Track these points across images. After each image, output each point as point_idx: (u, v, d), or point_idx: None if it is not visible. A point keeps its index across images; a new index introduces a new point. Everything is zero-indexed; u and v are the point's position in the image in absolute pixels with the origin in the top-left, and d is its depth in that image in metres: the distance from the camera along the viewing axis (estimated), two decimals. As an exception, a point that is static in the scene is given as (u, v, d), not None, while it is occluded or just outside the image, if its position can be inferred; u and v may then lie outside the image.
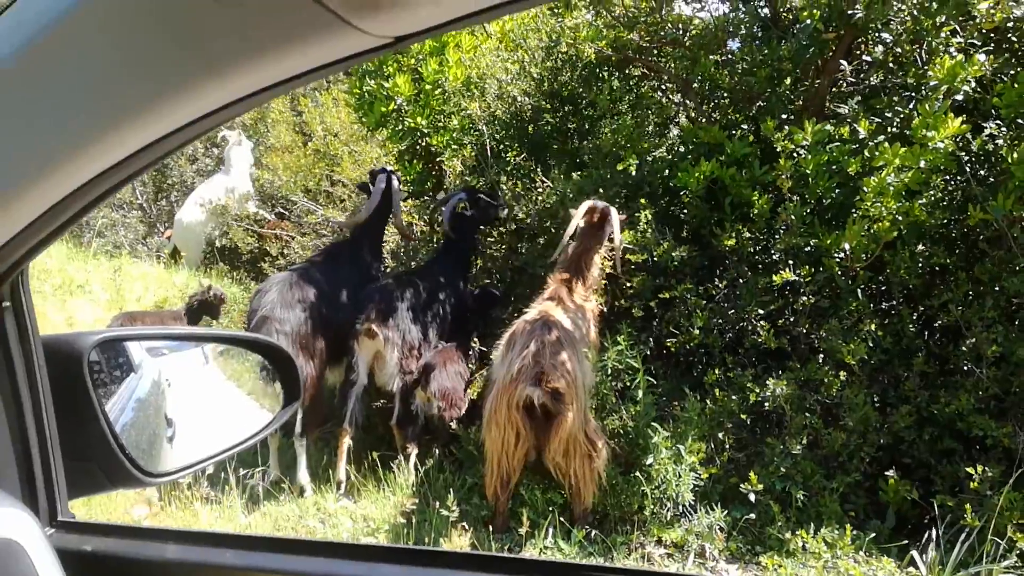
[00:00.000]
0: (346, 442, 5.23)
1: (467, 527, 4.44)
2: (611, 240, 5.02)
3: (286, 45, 0.69)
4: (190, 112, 0.78)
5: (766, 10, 5.58)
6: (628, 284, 5.36)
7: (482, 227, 6.16)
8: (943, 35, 4.76)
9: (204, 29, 0.68)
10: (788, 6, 5.49)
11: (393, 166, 6.97)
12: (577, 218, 4.91)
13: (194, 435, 1.78)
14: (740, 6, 5.63)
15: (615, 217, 4.93)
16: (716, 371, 4.93)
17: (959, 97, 4.41)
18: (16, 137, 0.82)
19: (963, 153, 4.55)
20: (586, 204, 4.97)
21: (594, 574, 1.14)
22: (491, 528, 4.46)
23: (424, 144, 7.03)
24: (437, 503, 4.53)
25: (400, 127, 6.91)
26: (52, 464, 1.22)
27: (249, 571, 1.24)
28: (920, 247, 4.81)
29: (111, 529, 1.34)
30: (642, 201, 5.35)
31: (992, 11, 4.60)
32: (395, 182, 6.08)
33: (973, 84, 4.40)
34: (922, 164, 4.32)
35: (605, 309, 5.29)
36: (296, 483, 5.26)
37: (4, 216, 0.90)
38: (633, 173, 5.64)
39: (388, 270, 6.78)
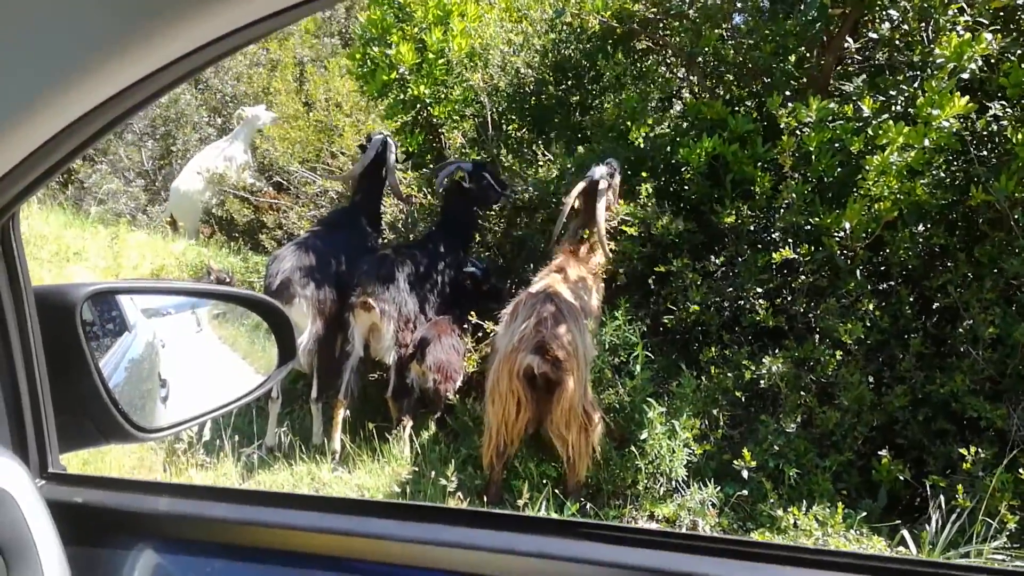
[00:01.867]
0: (341, 413, 5.25)
1: (461, 497, 4.46)
2: (608, 209, 5.05)
3: None
4: (179, 47, 0.75)
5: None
6: (632, 258, 5.33)
7: (479, 206, 6.07)
8: (951, 13, 4.71)
9: None
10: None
11: (394, 137, 6.92)
12: (573, 195, 4.95)
13: (188, 394, 1.78)
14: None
15: (602, 195, 4.95)
16: (712, 348, 4.93)
17: (965, 76, 4.36)
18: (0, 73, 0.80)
19: (967, 133, 4.51)
20: (582, 184, 5.02)
21: (584, 530, 1.13)
22: (485, 498, 4.47)
23: (426, 115, 6.97)
24: (433, 472, 4.55)
25: (402, 96, 6.85)
26: (43, 416, 1.21)
27: (241, 524, 1.24)
28: (920, 227, 4.79)
29: (102, 481, 1.34)
30: (643, 174, 5.32)
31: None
32: (390, 144, 6.05)
33: (980, 63, 4.36)
34: (926, 143, 4.29)
35: (604, 282, 5.28)
36: (311, 445, 5.33)
37: None
38: (640, 146, 5.60)
39: (386, 241, 6.77)
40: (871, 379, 4.70)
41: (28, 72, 0.78)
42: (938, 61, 4.37)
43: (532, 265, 5.70)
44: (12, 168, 0.89)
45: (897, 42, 5.25)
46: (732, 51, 5.58)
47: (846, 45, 5.20)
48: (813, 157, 4.79)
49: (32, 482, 1.04)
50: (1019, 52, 4.43)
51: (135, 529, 1.27)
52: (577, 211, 5.15)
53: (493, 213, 6.58)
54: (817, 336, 4.84)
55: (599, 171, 5.05)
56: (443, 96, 6.78)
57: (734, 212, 5.03)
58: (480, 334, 5.26)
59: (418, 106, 6.84)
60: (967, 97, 4.23)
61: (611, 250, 5.13)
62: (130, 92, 0.80)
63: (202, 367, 1.92)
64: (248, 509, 1.25)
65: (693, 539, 1.17)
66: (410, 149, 7.04)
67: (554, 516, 4.27)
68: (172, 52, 0.76)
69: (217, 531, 1.26)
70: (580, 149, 5.91)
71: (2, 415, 1.16)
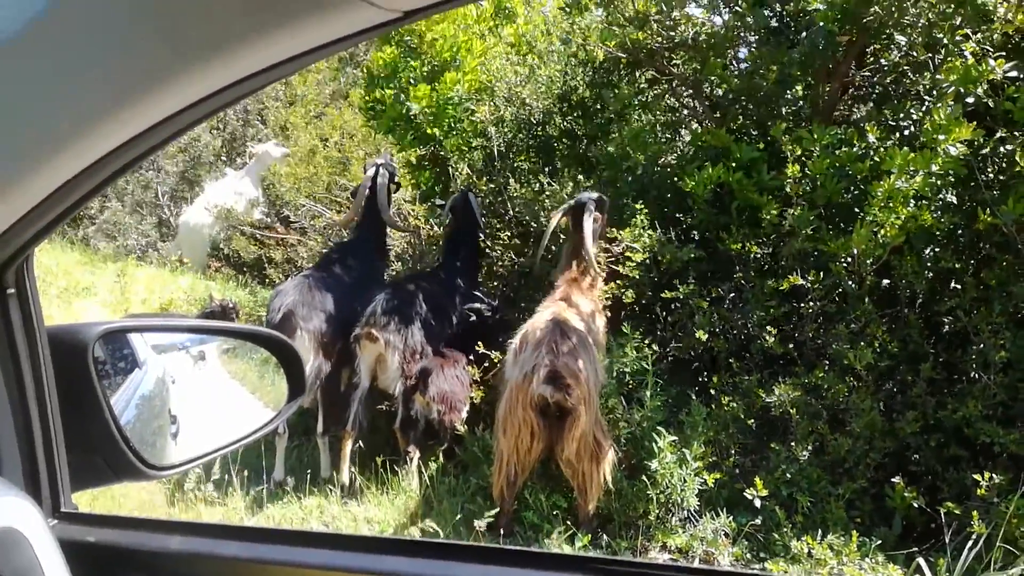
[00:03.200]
0: (349, 445, 5.23)
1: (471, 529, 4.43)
2: (603, 238, 5.09)
3: (295, 20, 0.68)
4: (197, 91, 0.77)
5: (774, 18, 5.57)
6: (638, 284, 5.33)
7: (472, 230, 6.13)
8: (958, 38, 4.73)
9: (212, 4, 0.67)
10: (801, 7, 5.45)
11: (401, 171, 7.00)
12: (555, 219, 5.09)
13: (199, 430, 1.78)
14: (750, 10, 5.62)
15: (588, 222, 4.97)
16: (722, 376, 4.91)
17: (970, 100, 4.38)
18: (18, 117, 0.81)
19: (973, 158, 4.52)
20: (563, 207, 5.12)
21: (599, 566, 1.13)
22: (500, 531, 4.43)
23: (434, 149, 7.06)
24: (443, 503, 4.53)
25: (412, 135, 6.95)
26: (55, 455, 1.21)
27: (253, 562, 1.23)
28: (928, 252, 4.79)
29: (115, 520, 1.34)
30: (637, 206, 5.31)
31: (1011, 15, 4.56)
32: (383, 172, 6.04)
33: (985, 87, 4.37)
34: (933, 168, 4.30)
35: (609, 312, 5.27)
36: (320, 479, 5.32)
37: (7, 199, 0.88)
38: (643, 175, 5.62)
39: (395, 272, 6.81)
40: (882, 405, 4.67)
41: (49, 115, 0.80)
42: (944, 86, 4.39)
43: (539, 295, 5.70)
44: (30, 210, 0.90)
45: (905, 68, 5.27)
46: (737, 80, 5.62)
47: (852, 72, 5.23)
48: (819, 184, 4.80)
49: (44, 521, 1.04)
50: (1024, 77, 4.45)
51: (147, 568, 1.27)
52: (573, 239, 5.18)
53: (501, 242, 6.61)
54: (827, 362, 4.82)
55: (586, 195, 5.11)
56: (452, 129, 6.87)
57: (741, 240, 5.03)
58: (487, 364, 5.25)
59: (430, 143, 6.94)
60: (974, 123, 4.25)
61: (617, 278, 5.14)
62: (149, 135, 0.82)
63: (212, 403, 1.92)
64: (260, 547, 1.25)
65: (710, 574, 1.16)
66: (421, 184, 7.12)
67: (568, 551, 4.23)
68: (191, 95, 0.77)
69: (229, 570, 1.25)
70: (581, 179, 5.95)
71: (15, 454, 1.16)
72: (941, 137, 4.23)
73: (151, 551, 1.28)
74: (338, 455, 5.29)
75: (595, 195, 5.14)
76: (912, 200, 4.48)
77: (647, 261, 5.24)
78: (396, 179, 6.37)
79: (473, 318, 5.64)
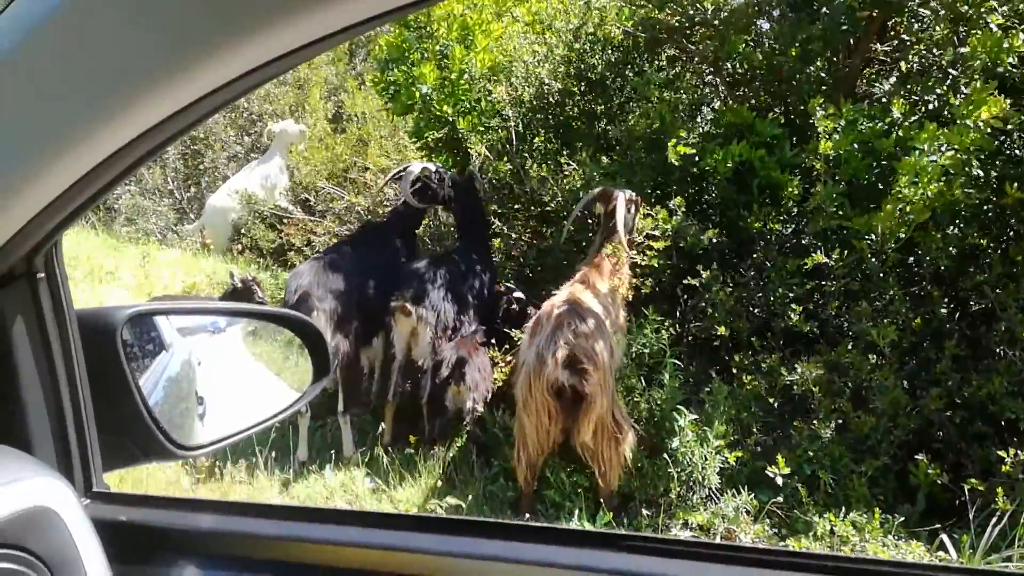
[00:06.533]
0: (390, 413, 5.43)
1: (494, 508, 4.47)
2: (626, 228, 5.04)
3: (312, 6, 0.68)
4: (219, 76, 0.77)
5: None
6: (654, 266, 5.31)
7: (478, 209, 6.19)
8: (983, 11, 4.64)
9: None
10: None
11: (418, 154, 7.02)
12: (580, 205, 5.09)
13: (225, 411, 1.80)
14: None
15: (621, 205, 4.94)
16: (743, 354, 4.89)
17: (1000, 70, 4.29)
18: (44, 106, 0.82)
19: (1001, 133, 4.45)
20: (595, 192, 5.06)
21: (627, 543, 1.13)
22: (523, 511, 4.47)
23: (450, 131, 7.05)
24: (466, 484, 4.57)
25: (427, 115, 6.94)
26: (87, 436, 1.23)
27: (283, 540, 1.25)
28: (953, 228, 4.73)
29: (146, 500, 1.36)
30: (675, 187, 5.28)
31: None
32: (415, 169, 6.10)
33: (1015, 60, 4.29)
34: (965, 142, 4.23)
35: (631, 294, 5.25)
36: (343, 458, 5.39)
37: (36, 186, 0.90)
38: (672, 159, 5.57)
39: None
40: (906, 382, 4.64)
41: (74, 103, 0.81)
42: (974, 57, 4.31)
43: (557, 275, 5.70)
44: (59, 195, 0.91)
45: (930, 41, 5.18)
46: (758, 57, 5.56)
47: (874, 47, 5.15)
48: (843, 160, 4.75)
49: (78, 501, 1.06)
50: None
51: (179, 546, 1.29)
52: (601, 225, 5.16)
53: (519, 223, 6.60)
54: (850, 340, 4.79)
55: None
56: (467, 109, 6.84)
57: (762, 218, 4.99)
58: (507, 345, 5.29)
59: (444, 123, 6.93)
60: (1003, 95, 4.18)
61: (638, 262, 5.11)
62: (170, 122, 0.82)
63: (238, 385, 1.94)
64: (292, 525, 1.27)
65: (734, 550, 1.16)
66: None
67: (591, 528, 4.25)
68: (210, 82, 0.78)
69: (261, 548, 1.27)
70: (604, 159, 5.90)
71: (47, 435, 1.18)
72: (974, 112, 4.16)
73: (182, 529, 1.30)
74: (364, 432, 5.37)
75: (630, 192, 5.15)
76: (940, 176, 4.42)
77: (668, 246, 5.21)
78: (445, 181, 6.26)
79: (514, 306, 5.68)
